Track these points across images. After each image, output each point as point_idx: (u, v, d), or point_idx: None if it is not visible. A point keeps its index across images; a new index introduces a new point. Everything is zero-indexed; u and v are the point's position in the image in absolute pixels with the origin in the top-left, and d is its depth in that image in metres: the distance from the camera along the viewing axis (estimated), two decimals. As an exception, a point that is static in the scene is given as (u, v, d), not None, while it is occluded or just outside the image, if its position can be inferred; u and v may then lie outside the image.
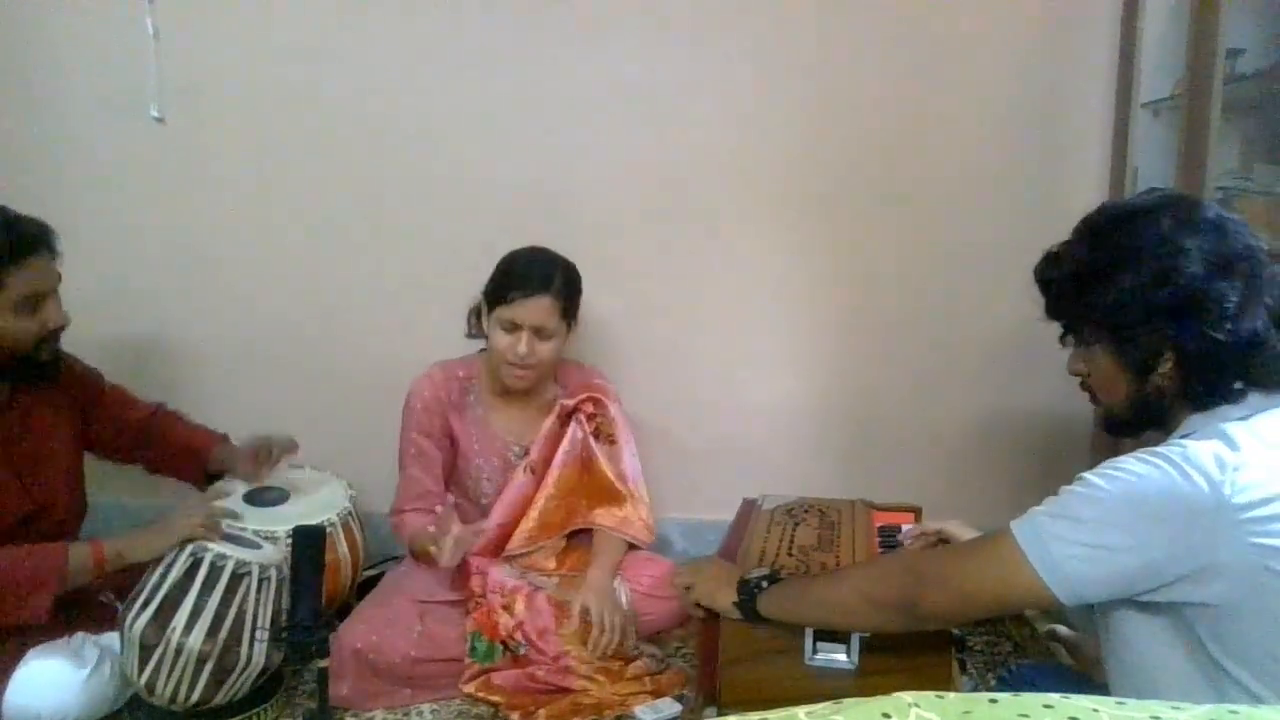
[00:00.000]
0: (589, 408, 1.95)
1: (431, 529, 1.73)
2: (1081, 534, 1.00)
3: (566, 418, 1.95)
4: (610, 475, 1.92)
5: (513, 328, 1.82)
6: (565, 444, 1.93)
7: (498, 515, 1.91)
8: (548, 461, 1.94)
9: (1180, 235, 1.04)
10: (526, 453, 1.95)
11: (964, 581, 1.10)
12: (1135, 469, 1.00)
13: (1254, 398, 1.05)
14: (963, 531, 1.59)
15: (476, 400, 1.98)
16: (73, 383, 1.81)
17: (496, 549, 1.92)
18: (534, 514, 1.92)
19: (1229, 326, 1.02)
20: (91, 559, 1.58)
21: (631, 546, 1.95)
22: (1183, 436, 1.05)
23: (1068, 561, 1.00)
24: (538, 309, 1.81)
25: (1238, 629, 0.98)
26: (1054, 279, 1.16)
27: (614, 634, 1.77)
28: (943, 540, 1.62)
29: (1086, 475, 1.04)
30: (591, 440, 1.93)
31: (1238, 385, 1.05)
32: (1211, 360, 1.04)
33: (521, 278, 1.82)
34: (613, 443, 1.95)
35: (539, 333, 1.82)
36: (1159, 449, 1.01)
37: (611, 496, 1.93)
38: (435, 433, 1.94)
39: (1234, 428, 1.01)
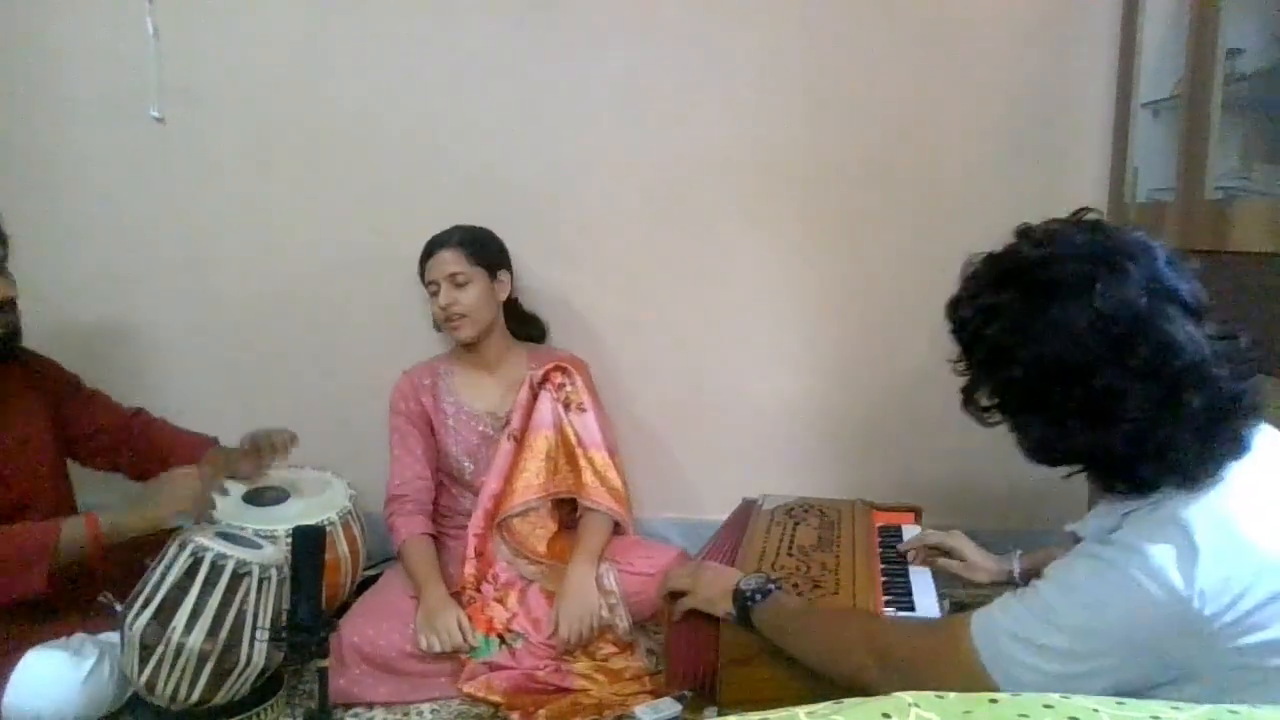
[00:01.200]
0: (557, 378, 2.01)
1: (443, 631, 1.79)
2: (1044, 662, 0.96)
3: (537, 388, 2.01)
4: (574, 443, 1.97)
5: (435, 288, 2.01)
6: (538, 412, 1.99)
7: (489, 486, 1.97)
8: (525, 430, 1.99)
9: (1105, 326, 0.93)
10: (506, 423, 2.01)
11: (927, 681, 1.05)
12: (1094, 591, 0.94)
13: (1168, 487, 0.95)
14: (965, 545, 1.58)
15: (449, 384, 2.09)
16: (46, 382, 1.80)
17: (493, 519, 1.96)
18: (520, 477, 1.96)
19: (1133, 436, 0.93)
20: (86, 530, 1.57)
21: (618, 528, 1.98)
22: (1126, 513, 0.98)
23: (1033, 686, 0.95)
24: (441, 260, 2.01)
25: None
26: (970, 326, 1.06)
27: (581, 639, 1.81)
28: (945, 555, 1.61)
29: (1042, 590, 0.99)
30: (561, 409, 1.98)
31: (1146, 476, 0.96)
32: (1116, 463, 0.96)
33: (426, 248, 2.05)
34: (583, 410, 2.00)
35: (453, 280, 1.99)
36: (1115, 558, 0.93)
37: (579, 466, 1.97)
38: (414, 416, 2.07)
39: (1185, 509, 0.93)
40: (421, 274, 2.05)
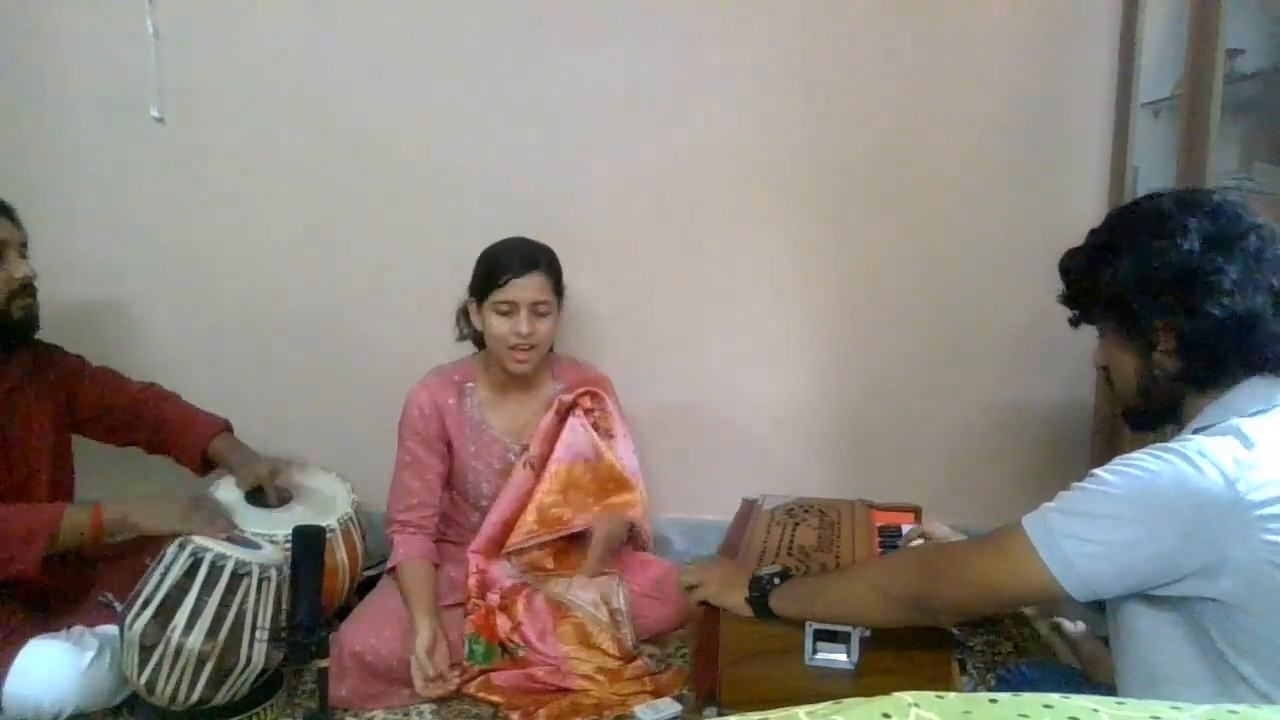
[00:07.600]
0: (587, 402, 1.95)
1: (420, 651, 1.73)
2: (1094, 530, 1.01)
3: (565, 413, 1.95)
4: (617, 467, 1.93)
5: (511, 309, 1.83)
6: (565, 439, 1.92)
7: (497, 511, 1.91)
8: (546, 457, 1.92)
9: (1179, 213, 1.07)
10: (525, 449, 1.94)
11: (976, 576, 1.11)
12: (1148, 465, 1.00)
13: (1259, 386, 1.05)
14: (942, 533, 1.59)
15: (473, 402, 1.97)
16: (55, 367, 1.83)
17: (496, 546, 1.91)
18: (533, 508, 1.90)
19: (1225, 302, 1.03)
20: (90, 519, 1.61)
21: (633, 542, 1.96)
22: (1196, 430, 1.05)
23: (1080, 558, 1.01)
24: (532, 285, 1.83)
25: (1247, 625, 0.98)
26: (1070, 265, 1.19)
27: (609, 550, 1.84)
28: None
29: (1098, 472, 1.04)
30: (595, 436, 1.93)
31: (1240, 367, 1.05)
32: (1209, 338, 1.05)
33: (510, 260, 1.84)
34: (611, 436, 1.96)
35: (535, 309, 1.83)
36: (1172, 445, 1.01)
37: (622, 486, 1.93)
38: (432, 439, 1.93)
39: (1249, 424, 1.01)
40: (489, 287, 1.83)
